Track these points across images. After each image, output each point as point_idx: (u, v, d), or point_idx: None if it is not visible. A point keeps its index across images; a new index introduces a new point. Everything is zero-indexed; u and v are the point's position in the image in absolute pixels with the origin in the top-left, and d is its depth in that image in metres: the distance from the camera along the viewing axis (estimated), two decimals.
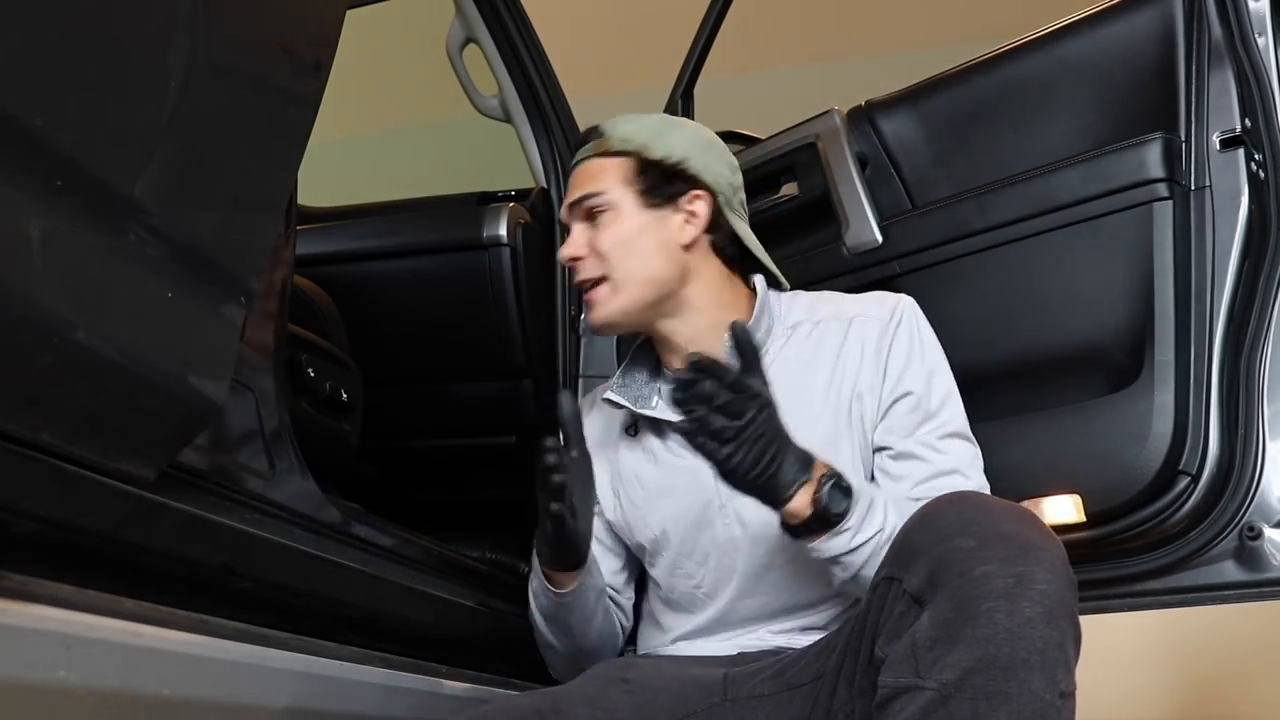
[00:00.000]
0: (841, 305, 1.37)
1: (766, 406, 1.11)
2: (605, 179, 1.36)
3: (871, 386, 1.29)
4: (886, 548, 1.09)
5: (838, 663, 1.10)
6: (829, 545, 1.14)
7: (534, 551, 1.34)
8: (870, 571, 1.12)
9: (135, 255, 0.82)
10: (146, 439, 0.90)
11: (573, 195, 1.39)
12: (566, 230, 1.41)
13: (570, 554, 1.28)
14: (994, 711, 0.88)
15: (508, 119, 2.21)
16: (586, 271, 1.36)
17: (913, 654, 0.93)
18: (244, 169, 0.94)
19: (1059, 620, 0.90)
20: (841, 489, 1.13)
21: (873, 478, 1.30)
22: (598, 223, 1.36)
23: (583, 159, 1.40)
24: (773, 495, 1.13)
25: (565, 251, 1.37)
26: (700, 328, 1.35)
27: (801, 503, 1.13)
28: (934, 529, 0.98)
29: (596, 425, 1.43)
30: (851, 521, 1.13)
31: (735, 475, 1.11)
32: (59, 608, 0.83)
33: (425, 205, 2.29)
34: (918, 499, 1.18)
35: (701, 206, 1.36)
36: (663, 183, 1.35)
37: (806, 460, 1.13)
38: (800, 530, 1.15)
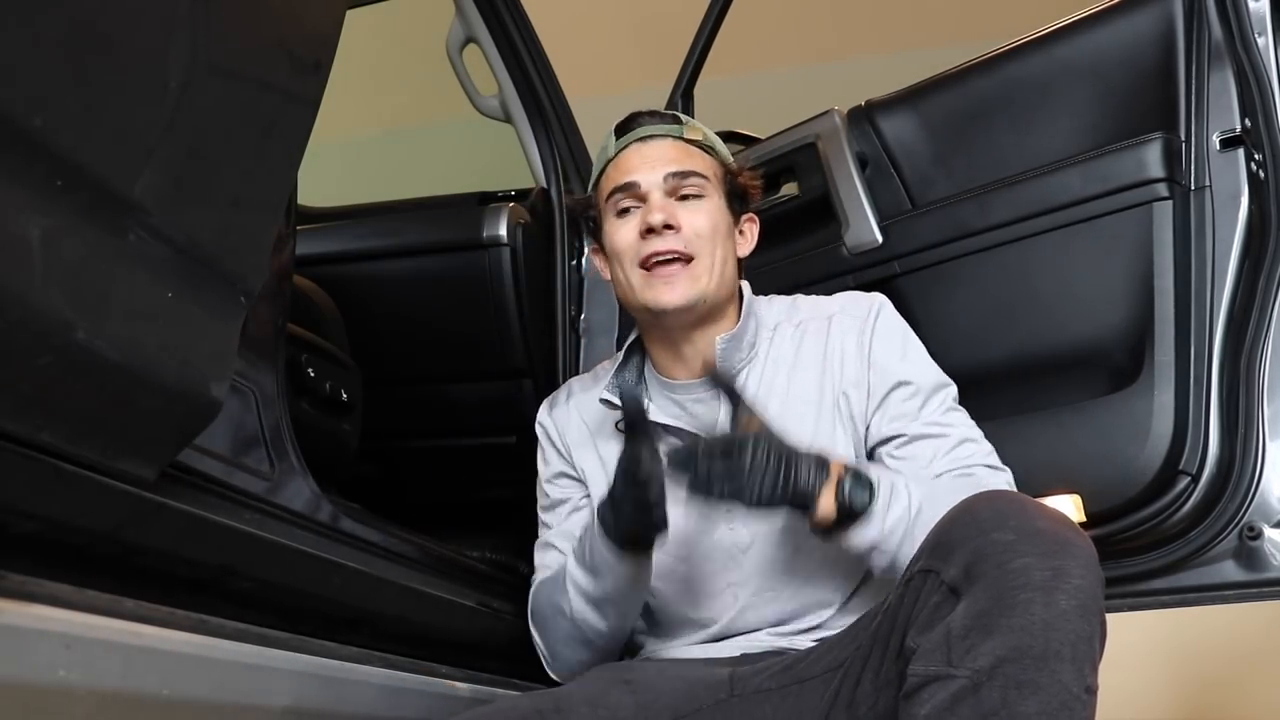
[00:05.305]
0: (819, 305, 1.39)
1: (764, 436, 1.13)
2: (698, 164, 1.33)
3: (857, 382, 1.31)
4: (918, 524, 1.11)
5: (864, 653, 1.10)
6: (863, 536, 1.15)
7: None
8: (908, 550, 1.12)
9: (135, 255, 0.82)
10: (146, 439, 0.90)
11: (668, 165, 1.32)
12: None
13: (649, 531, 1.22)
14: (1023, 701, 0.88)
15: (508, 119, 2.21)
16: (673, 244, 1.29)
17: (946, 643, 0.93)
18: (244, 169, 0.94)
19: (1091, 616, 0.91)
20: (861, 481, 1.14)
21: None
22: (687, 204, 1.32)
23: (659, 135, 1.35)
24: (799, 505, 1.14)
25: (656, 217, 1.28)
26: (710, 341, 1.34)
27: (826, 505, 1.14)
28: (972, 523, 0.99)
29: (589, 417, 1.41)
30: (878, 507, 1.14)
31: (759, 503, 1.13)
32: (59, 608, 0.83)
33: (425, 205, 2.29)
34: (944, 470, 1.23)
35: (752, 230, 1.39)
36: (736, 197, 1.36)
37: (821, 463, 1.14)
38: (831, 530, 1.16)
